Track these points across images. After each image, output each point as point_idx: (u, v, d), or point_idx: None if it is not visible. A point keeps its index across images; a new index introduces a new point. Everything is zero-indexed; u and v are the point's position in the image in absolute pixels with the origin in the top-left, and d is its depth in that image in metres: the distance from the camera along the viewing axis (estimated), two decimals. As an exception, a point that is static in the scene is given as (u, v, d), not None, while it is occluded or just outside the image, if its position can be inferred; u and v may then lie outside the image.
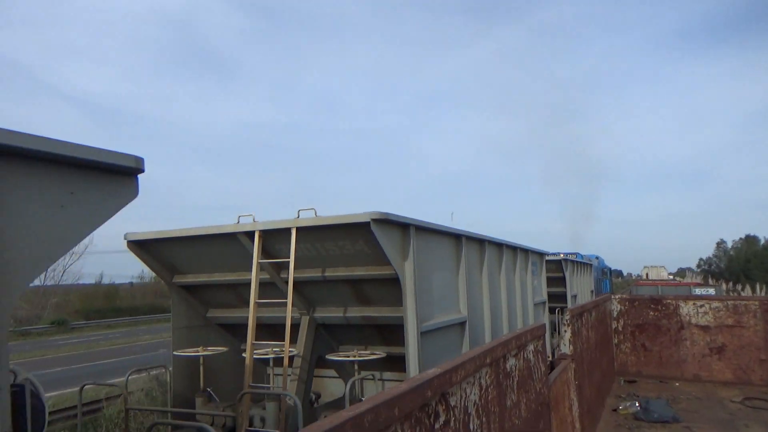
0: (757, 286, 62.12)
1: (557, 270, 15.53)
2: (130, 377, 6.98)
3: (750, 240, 76.16)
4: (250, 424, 6.42)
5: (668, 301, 10.76)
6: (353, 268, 6.54)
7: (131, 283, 61.39)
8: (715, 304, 10.41)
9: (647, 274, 47.07)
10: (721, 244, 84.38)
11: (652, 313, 10.71)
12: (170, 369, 7.52)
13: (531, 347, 3.54)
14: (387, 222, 5.79)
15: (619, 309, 10.92)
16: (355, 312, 7.14)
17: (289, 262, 6.18)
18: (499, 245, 9.50)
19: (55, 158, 2.50)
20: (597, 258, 27.17)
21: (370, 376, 6.82)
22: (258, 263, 6.45)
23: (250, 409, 6.55)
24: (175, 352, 7.40)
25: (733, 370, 10.10)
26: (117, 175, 2.91)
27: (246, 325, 7.54)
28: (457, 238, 7.68)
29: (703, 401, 8.74)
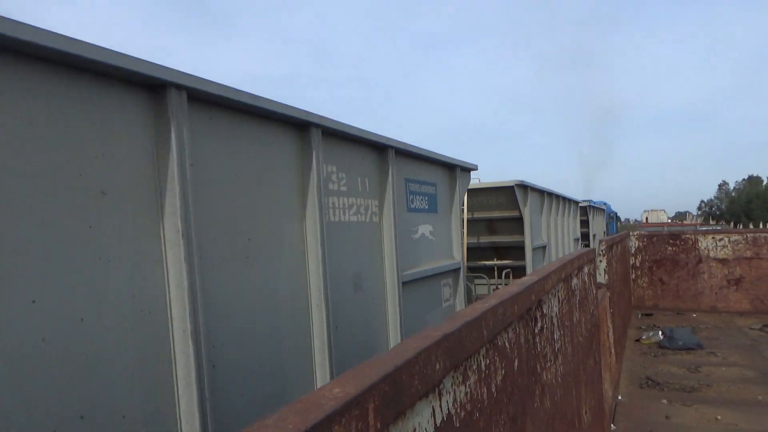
0: (760, 226, 62.47)
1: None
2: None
3: (753, 180, 76.04)
4: None
5: (687, 236, 10.79)
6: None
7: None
8: (735, 237, 10.44)
9: (647, 218, 47.31)
10: (723, 185, 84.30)
11: (670, 248, 10.75)
12: None
13: (586, 270, 3.50)
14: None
15: (637, 245, 10.96)
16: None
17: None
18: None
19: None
20: (605, 204, 28.39)
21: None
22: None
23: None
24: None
25: (750, 300, 10.24)
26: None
27: None
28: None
29: (723, 330, 8.89)
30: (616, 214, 37.28)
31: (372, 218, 4.12)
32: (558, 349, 2.34)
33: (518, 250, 9.87)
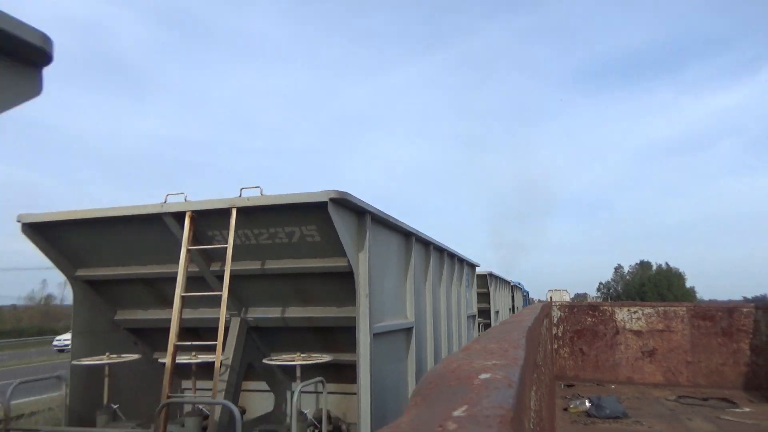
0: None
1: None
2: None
3: (644, 265, 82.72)
4: None
5: (605, 307, 10.94)
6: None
7: (14, 306, 55.00)
8: (648, 310, 10.70)
9: (551, 297, 49.93)
10: (618, 268, 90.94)
11: (590, 319, 10.79)
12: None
13: (545, 322, 3.06)
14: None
15: (559, 315, 10.92)
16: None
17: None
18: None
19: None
20: (519, 284, 29.56)
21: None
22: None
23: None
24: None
25: (663, 372, 10.34)
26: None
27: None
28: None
29: (642, 400, 8.86)
30: (528, 292, 39.50)
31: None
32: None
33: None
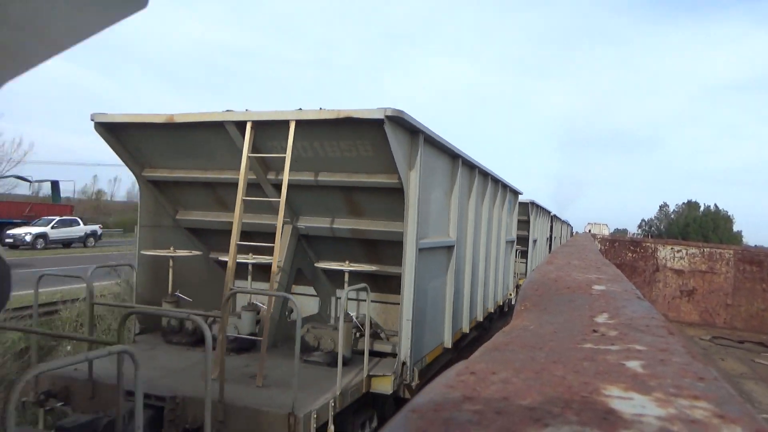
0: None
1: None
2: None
3: (692, 205, 79.98)
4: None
5: (647, 244, 10.87)
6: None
7: (68, 198, 57.91)
8: (692, 250, 10.59)
9: (590, 230, 49.38)
10: (663, 207, 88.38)
11: (630, 254, 10.79)
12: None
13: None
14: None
15: (599, 248, 10.92)
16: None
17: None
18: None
19: None
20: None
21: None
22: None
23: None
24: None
25: (699, 313, 10.40)
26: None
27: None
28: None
29: (677, 338, 8.98)
30: (572, 227, 39.38)
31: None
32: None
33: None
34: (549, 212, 21.91)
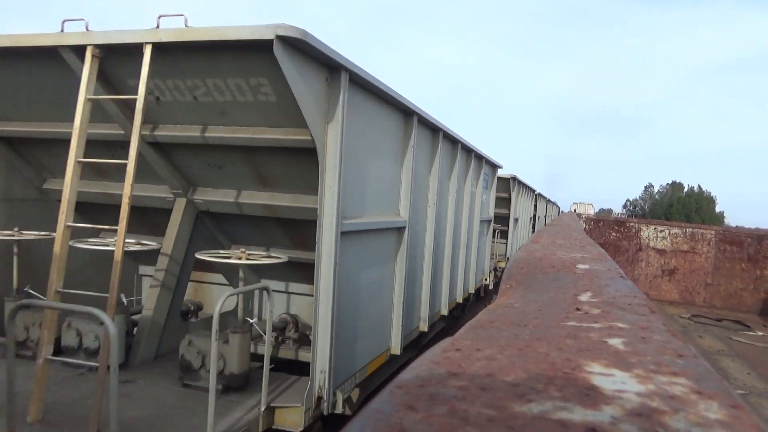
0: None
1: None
2: None
3: (676, 186, 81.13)
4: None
5: (631, 224, 11.03)
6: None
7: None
8: (675, 230, 10.76)
9: (575, 210, 49.97)
10: (648, 187, 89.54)
11: (614, 233, 10.94)
12: None
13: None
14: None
15: (584, 227, 11.05)
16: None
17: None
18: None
19: None
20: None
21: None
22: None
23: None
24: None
25: (680, 291, 10.64)
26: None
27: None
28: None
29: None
30: (559, 208, 39.45)
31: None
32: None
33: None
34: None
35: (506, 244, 14.35)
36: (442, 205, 7.16)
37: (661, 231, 10.75)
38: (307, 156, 4.16)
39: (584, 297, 0.89)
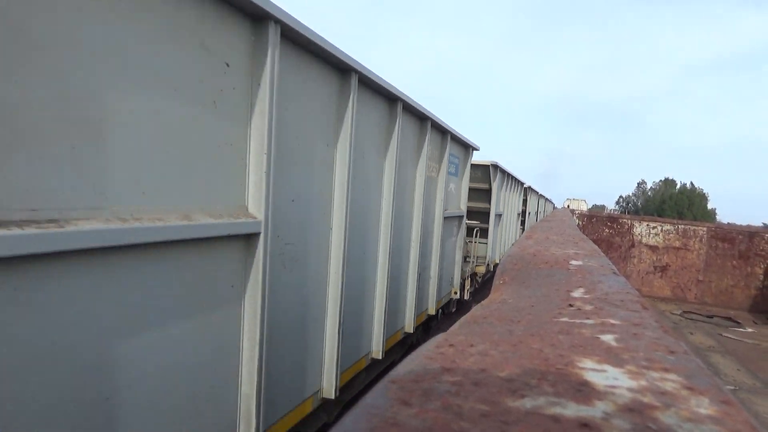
0: (667, 225, 67.19)
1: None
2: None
3: (668, 182, 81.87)
4: None
5: (624, 220, 11.07)
6: None
7: None
8: (667, 226, 10.82)
9: (569, 206, 50.31)
10: (641, 184, 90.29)
11: (607, 230, 10.99)
12: None
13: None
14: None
15: (577, 224, 11.10)
16: None
17: None
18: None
19: None
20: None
21: None
22: None
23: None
24: None
25: (672, 288, 10.71)
26: None
27: None
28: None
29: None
30: (553, 203, 40.11)
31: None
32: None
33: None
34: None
35: (487, 244, 11.67)
36: (369, 197, 4.56)
37: (654, 227, 10.83)
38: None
39: (577, 293, 0.90)
